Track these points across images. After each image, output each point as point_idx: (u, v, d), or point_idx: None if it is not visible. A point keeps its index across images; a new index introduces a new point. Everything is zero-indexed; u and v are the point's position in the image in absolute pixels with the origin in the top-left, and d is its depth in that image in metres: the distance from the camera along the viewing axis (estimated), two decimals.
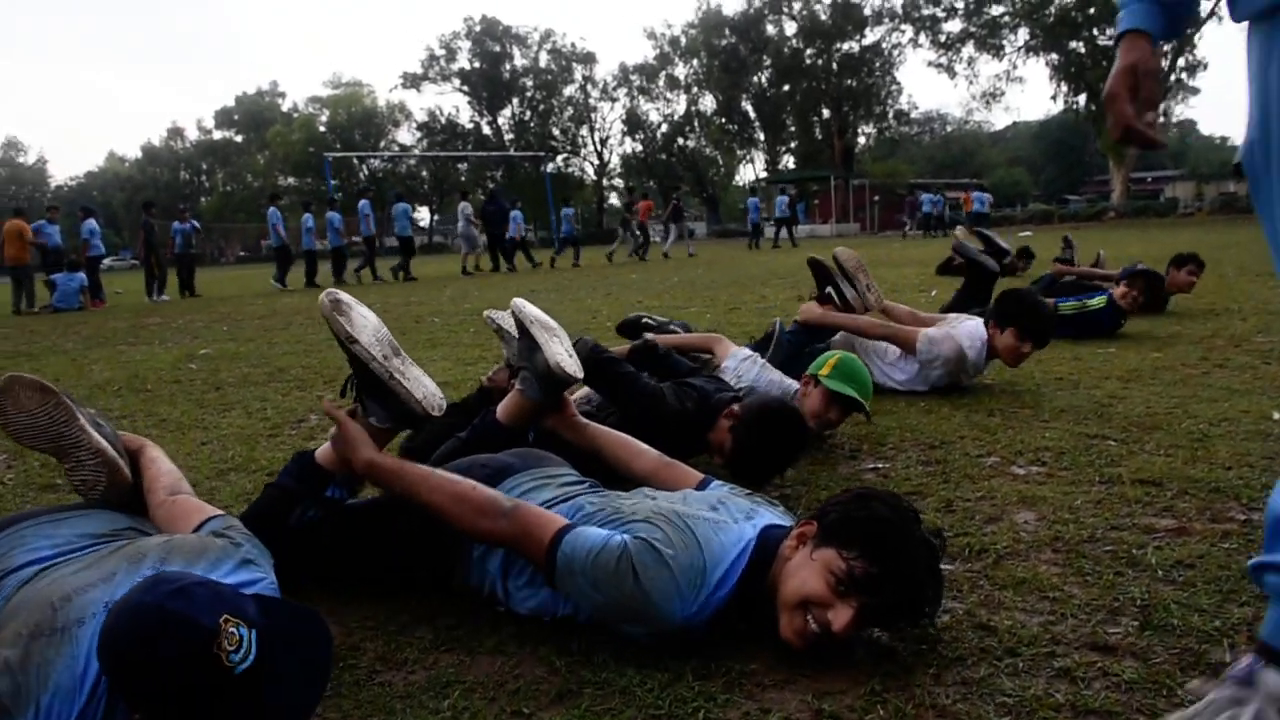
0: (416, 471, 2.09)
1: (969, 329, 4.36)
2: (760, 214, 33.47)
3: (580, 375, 2.59)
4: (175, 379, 6.51)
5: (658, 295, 11.31)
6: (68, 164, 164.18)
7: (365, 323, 2.27)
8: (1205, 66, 53.48)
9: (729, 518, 1.97)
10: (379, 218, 22.00)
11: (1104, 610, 1.95)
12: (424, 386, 2.27)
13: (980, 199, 35.97)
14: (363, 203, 21.24)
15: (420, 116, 78.61)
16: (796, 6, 64.20)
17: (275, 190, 33.30)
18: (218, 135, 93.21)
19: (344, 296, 2.27)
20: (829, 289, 4.57)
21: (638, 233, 26.14)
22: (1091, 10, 50.24)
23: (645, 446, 2.49)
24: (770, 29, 66.00)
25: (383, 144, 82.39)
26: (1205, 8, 47.92)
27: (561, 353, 2.55)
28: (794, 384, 3.60)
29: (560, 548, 1.86)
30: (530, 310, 2.62)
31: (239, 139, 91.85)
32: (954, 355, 4.26)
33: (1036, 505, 2.67)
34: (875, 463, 3.25)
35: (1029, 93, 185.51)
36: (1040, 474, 2.99)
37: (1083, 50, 51.44)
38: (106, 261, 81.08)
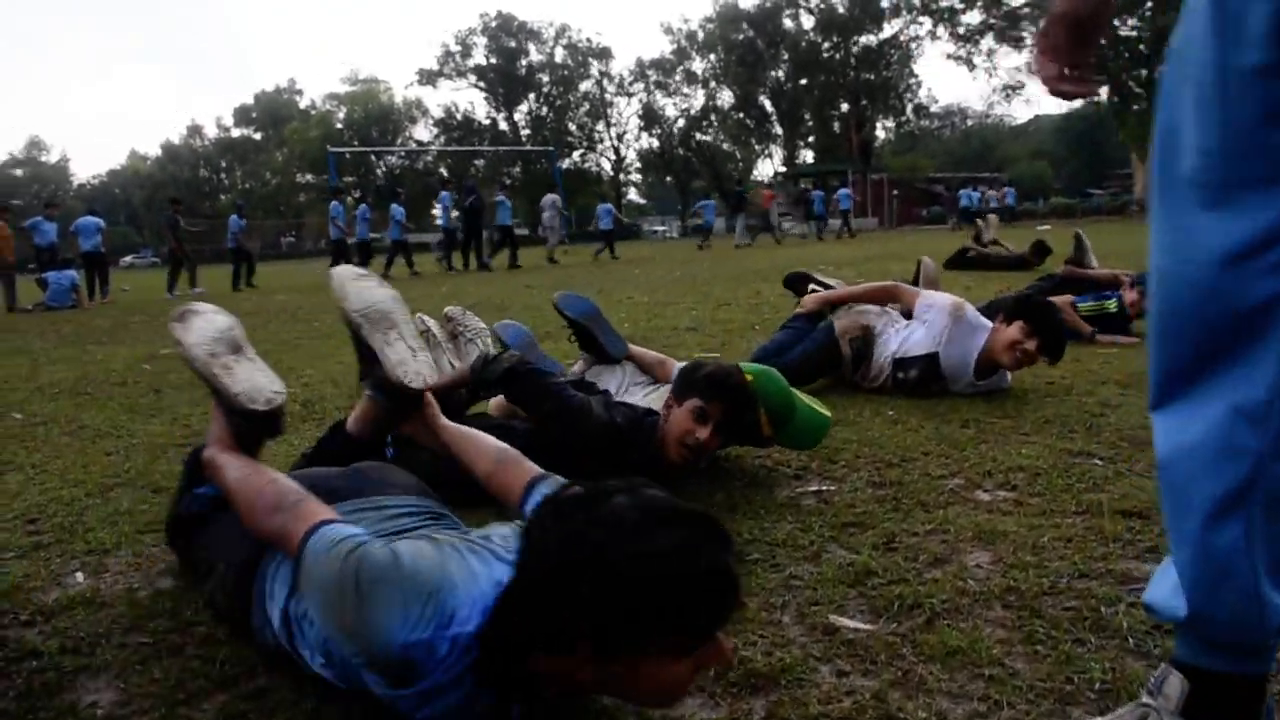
0: (231, 467, 1.89)
1: (973, 310, 4.03)
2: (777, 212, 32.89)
3: (426, 384, 2.17)
4: (121, 381, 6.16)
5: (650, 291, 10.88)
6: (91, 163, 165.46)
7: (206, 326, 2.14)
8: None
9: (501, 551, 1.54)
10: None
11: (1053, 696, 1.51)
12: (248, 382, 2.02)
13: (1008, 194, 35.58)
14: (395, 208, 21.10)
15: (437, 113, 78.47)
16: (816, 0, 63.63)
17: (339, 186, 33.35)
18: (236, 133, 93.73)
19: (197, 307, 2.20)
20: (811, 287, 4.26)
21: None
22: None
23: (488, 444, 2.03)
24: (788, 22, 65.42)
25: (399, 140, 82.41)
26: None
27: (404, 359, 2.14)
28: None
29: (309, 541, 1.53)
30: (365, 307, 2.21)
31: (258, 136, 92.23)
32: (949, 303, 4.01)
33: (995, 542, 2.23)
34: (820, 484, 2.82)
35: None
36: (1008, 501, 2.55)
37: (1103, 41, 50.50)
38: (128, 259, 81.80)
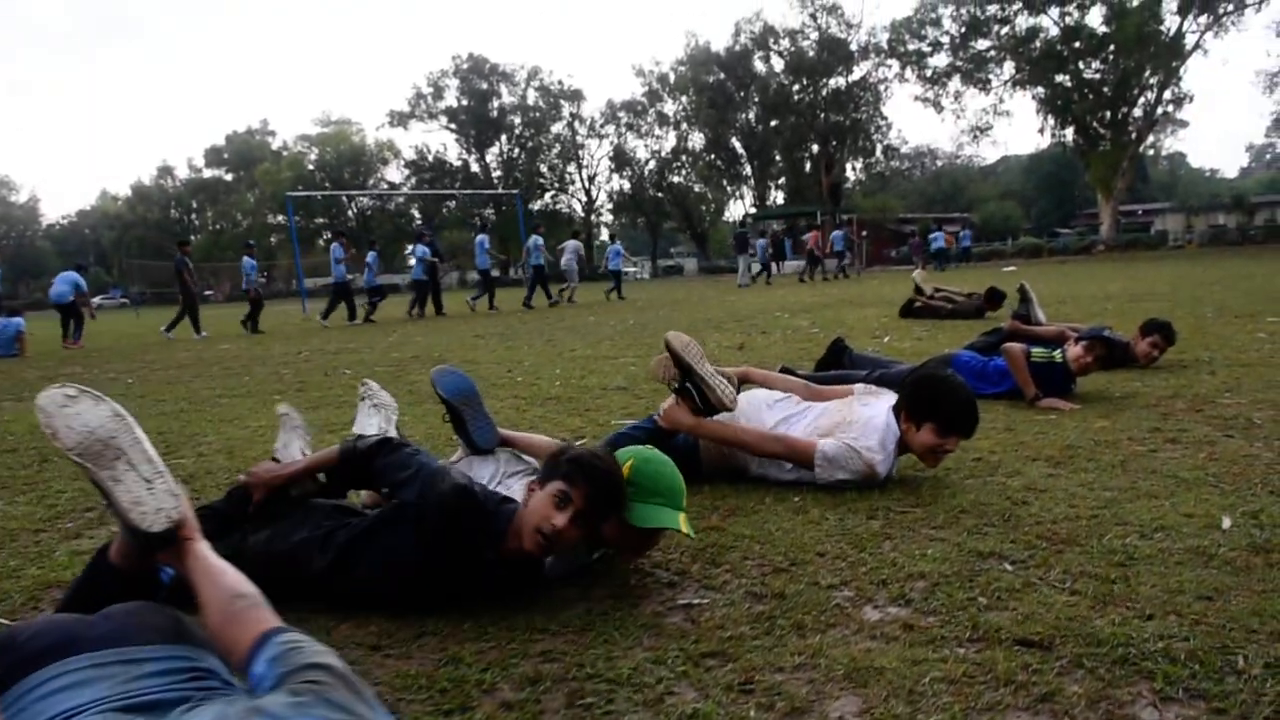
0: None
1: (876, 428, 3.50)
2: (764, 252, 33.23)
3: (171, 520, 1.80)
4: (13, 447, 5.74)
5: (595, 343, 10.54)
6: (62, 203, 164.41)
7: (77, 422, 1.89)
8: (1191, 99, 53.25)
9: None
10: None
11: None
12: (132, 497, 1.80)
13: (964, 237, 36.44)
14: (371, 255, 21.27)
15: (409, 154, 78.41)
16: (784, 43, 64.13)
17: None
18: (208, 173, 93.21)
19: (71, 391, 1.95)
20: (688, 383, 3.55)
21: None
22: (1077, 44, 50.00)
23: (226, 587, 1.65)
24: (758, 65, 65.97)
25: (371, 181, 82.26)
26: (1189, 41, 47.81)
27: (139, 497, 1.78)
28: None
29: None
30: (80, 442, 1.85)
31: (229, 177, 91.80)
32: (859, 479, 3.41)
33: (868, 685, 1.88)
34: (695, 595, 2.46)
35: (1018, 126, 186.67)
36: (897, 623, 2.19)
37: (1069, 84, 51.11)
38: (96, 300, 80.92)
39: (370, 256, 21.08)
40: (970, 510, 3.06)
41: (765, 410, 3.79)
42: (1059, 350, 5.14)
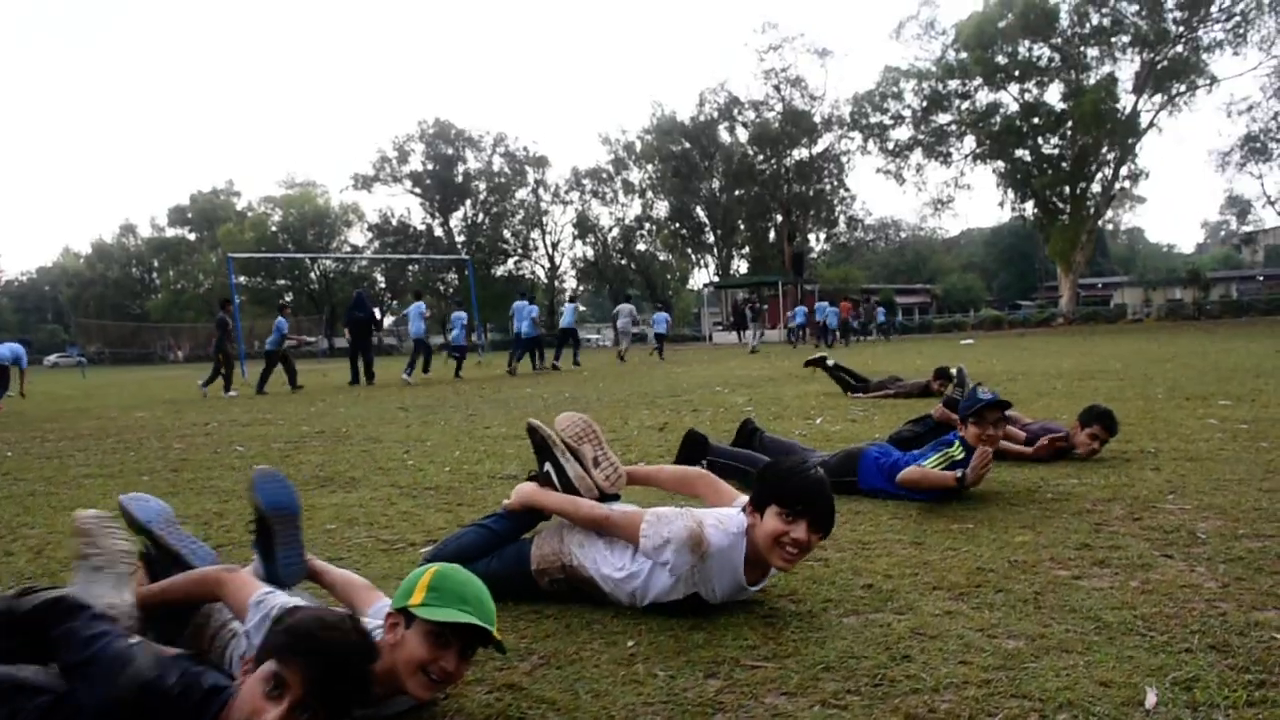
0: None
1: (721, 511, 3.02)
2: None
3: None
4: None
5: (516, 421, 9.87)
6: (22, 259, 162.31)
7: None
8: (1147, 175, 53.99)
9: None
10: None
11: None
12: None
13: (879, 312, 38.75)
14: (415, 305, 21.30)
15: (373, 218, 78.13)
16: (749, 114, 64.67)
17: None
18: (170, 233, 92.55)
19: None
20: (546, 465, 3.25)
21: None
22: (1036, 120, 50.64)
23: None
24: (724, 135, 66.43)
25: (334, 244, 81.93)
26: (1145, 119, 48.52)
27: None
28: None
29: None
30: None
31: (191, 237, 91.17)
32: (685, 536, 2.83)
33: None
34: None
35: (980, 200, 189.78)
36: None
37: (1028, 158, 51.66)
38: (52, 357, 79.36)
39: (416, 308, 21.18)
40: (836, 667, 2.41)
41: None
42: (955, 442, 4.54)
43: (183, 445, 8.96)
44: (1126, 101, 48.44)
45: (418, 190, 74.77)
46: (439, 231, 75.32)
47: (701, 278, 71.07)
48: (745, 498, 3.04)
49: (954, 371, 6.78)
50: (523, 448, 7.40)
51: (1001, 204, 54.14)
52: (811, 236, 67.47)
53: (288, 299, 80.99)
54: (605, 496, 3.29)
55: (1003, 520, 4.05)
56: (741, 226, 66.93)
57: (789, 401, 10.39)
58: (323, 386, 19.48)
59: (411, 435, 8.79)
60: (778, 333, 39.95)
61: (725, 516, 2.95)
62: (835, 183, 64.50)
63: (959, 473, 4.32)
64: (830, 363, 11.43)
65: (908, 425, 6.27)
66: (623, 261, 73.49)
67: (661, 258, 74.21)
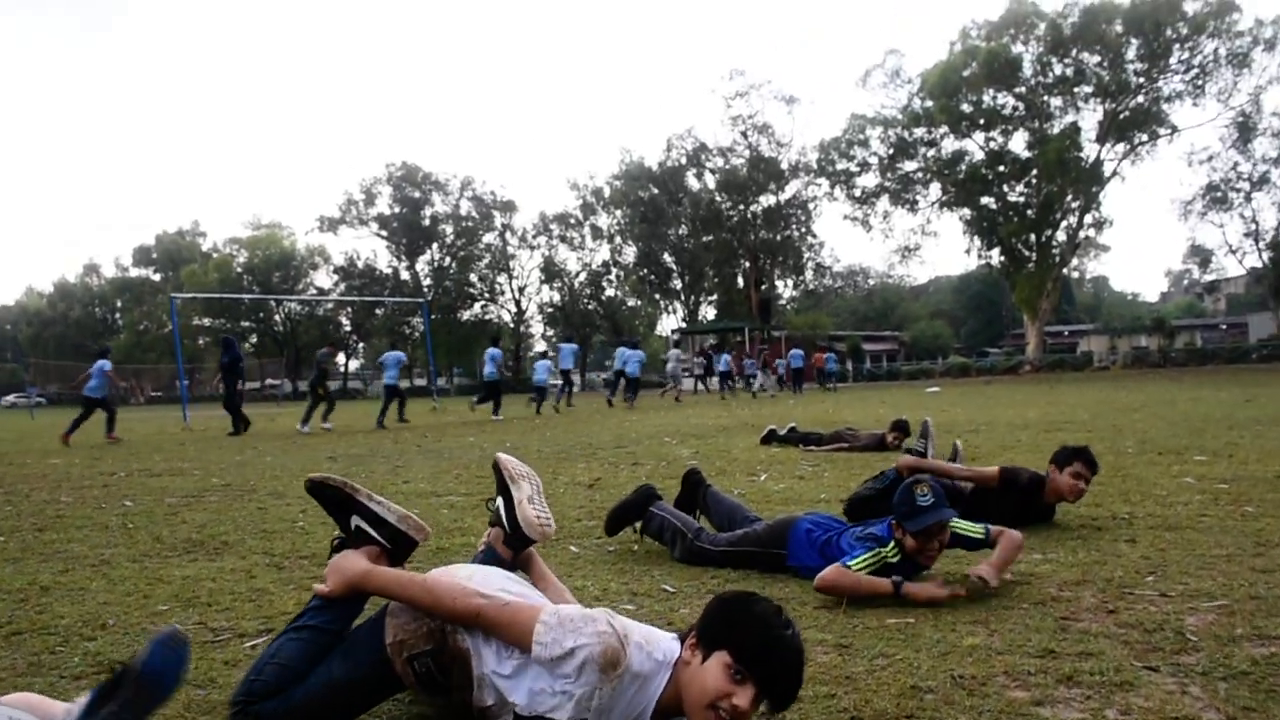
0: None
1: (649, 630, 2.24)
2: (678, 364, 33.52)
3: None
4: None
5: (438, 475, 9.11)
6: None
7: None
8: (1111, 224, 54.35)
9: None
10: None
11: None
12: None
13: (828, 360, 38.69)
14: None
15: (339, 260, 77.29)
16: (717, 161, 64.62)
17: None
18: (134, 273, 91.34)
19: None
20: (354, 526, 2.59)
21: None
22: (1001, 168, 50.81)
23: None
24: (691, 181, 66.31)
25: (300, 286, 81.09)
26: (1108, 168, 48.76)
27: None
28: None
29: None
30: None
31: (156, 277, 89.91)
32: (600, 652, 2.06)
33: None
34: None
35: (947, 248, 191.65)
36: None
37: (994, 206, 51.74)
38: (9, 398, 77.58)
39: (394, 356, 21.25)
40: None
41: (501, 581, 2.49)
42: (891, 544, 3.75)
43: (71, 499, 8.14)
44: (1090, 150, 48.79)
45: (384, 233, 74.09)
46: (405, 274, 74.60)
47: (669, 323, 70.58)
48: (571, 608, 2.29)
49: (921, 426, 6.11)
50: (434, 507, 6.67)
51: (968, 251, 54.28)
52: (780, 283, 67.28)
53: (251, 340, 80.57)
54: (519, 541, 2.89)
55: (950, 612, 3.35)
56: (709, 272, 66.60)
57: (737, 455, 9.71)
58: (265, 432, 18.61)
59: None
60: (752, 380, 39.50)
61: (652, 637, 2.20)
62: (803, 229, 64.45)
63: (896, 580, 3.57)
64: (782, 432, 10.82)
65: (866, 484, 5.61)
66: (590, 306, 72.92)
67: (629, 303, 73.70)
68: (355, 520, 2.53)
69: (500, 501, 2.96)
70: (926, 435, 6.19)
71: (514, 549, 2.95)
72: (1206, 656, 2.73)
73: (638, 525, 4.62)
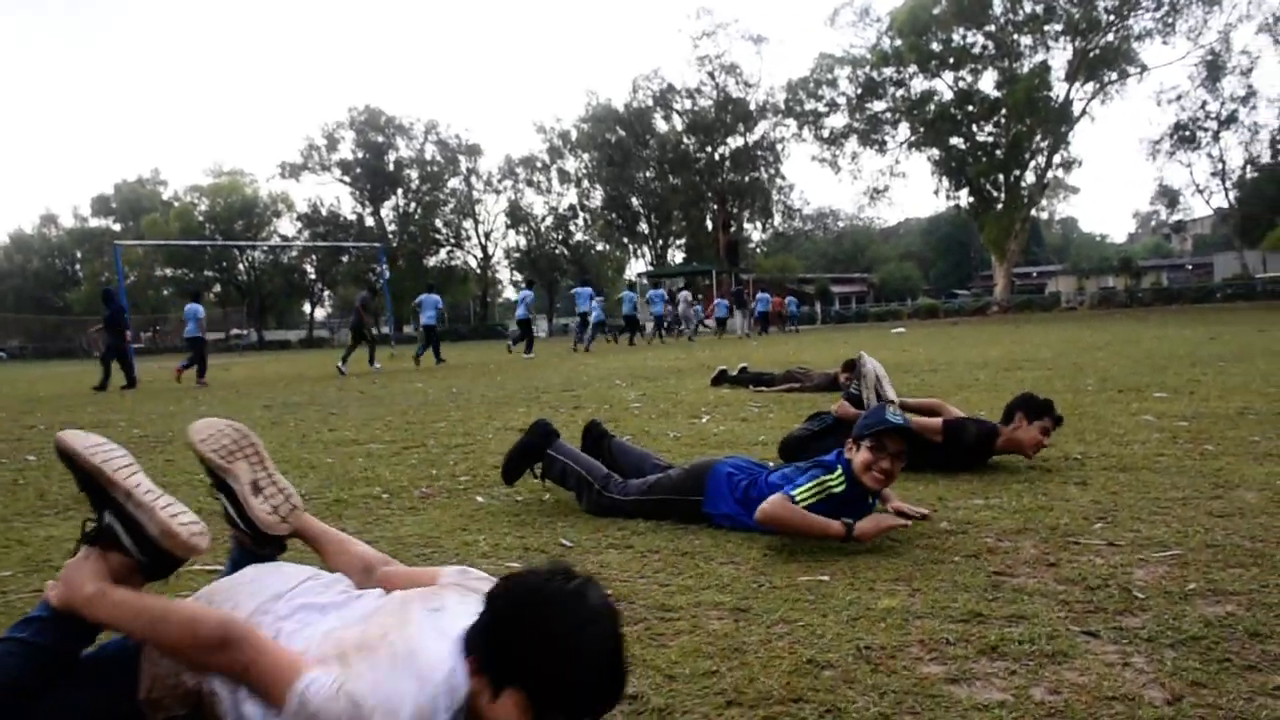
0: None
1: (417, 670, 1.71)
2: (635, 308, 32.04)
3: None
4: None
5: (366, 423, 8.68)
6: None
7: None
8: (1080, 164, 54.06)
9: None
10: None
11: None
12: None
13: (791, 302, 38.04)
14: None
15: (302, 207, 75.85)
16: (685, 103, 63.64)
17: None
18: (94, 223, 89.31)
19: None
20: (107, 515, 1.89)
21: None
22: (970, 108, 50.26)
23: None
24: (659, 124, 65.33)
25: (264, 234, 79.62)
26: (1077, 107, 48.34)
27: None
28: None
29: None
30: None
31: (116, 227, 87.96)
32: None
33: None
34: None
35: (917, 190, 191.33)
36: None
37: (963, 146, 51.27)
38: None
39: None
40: None
41: (268, 597, 1.98)
42: (837, 469, 3.39)
43: None
44: (1059, 89, 48.29)
45: (347, 179, 72.65)
46: (370, 221, 73.25)
47: (638, 267, 69.85)
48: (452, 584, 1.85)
49: (856, 360, 5.46)
50: (350, 455, 6.25)
51: (937, 192, 53.75)
52: (748, 226, 66.70)
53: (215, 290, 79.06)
54: (266, 542, 2.19)
55: (871, 566, 2.97)
56: (677, 215, 65.85)
57: (685, 397, 9.32)
58: (219, 381, 18.05)
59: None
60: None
61: (422, 689, 1.58)
62: (771, 171, 63.71)
63: (847, 522, 3.20)
64: (733, 373, 10.43)
65: (803, 425, 5.23)
66: (557, 251, 72.11)
67: (597, 247, 72.88)
68: (108, 516, 1.91)
69: (224, 500, 2.23)
70: (860, 373, 5.41)
71: (270, 548, 2.27)
72: (1154, 617, 2.36)
73: (538, 470, 4.18)
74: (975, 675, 2.06)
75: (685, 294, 31.89)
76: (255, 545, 2.20)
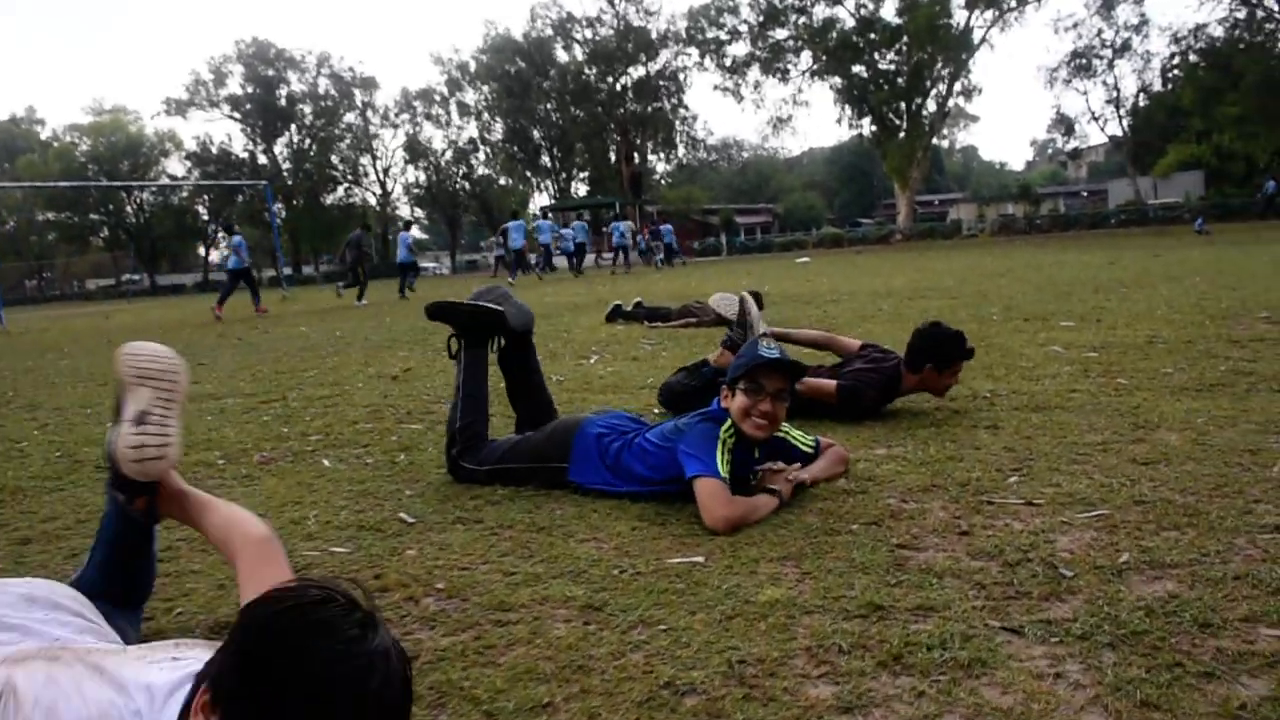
0: None
1: (131, 679, 1.25)
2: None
3: None
4: None
5: (235, 373, 8.02)
6: None
7: None
8: (980, 92, 54.37)
9: None
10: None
11: None
12: None
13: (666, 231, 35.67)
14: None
15: (191, 145, 72.50)
16: (587, 33, 62.19)
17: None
18: None
19: None
20: None
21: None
22: (872, 35, 49.98)
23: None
24: (560, 54, 63.79)
25: (152, 174, 76.16)
26: (977, 35, 48.42)
27: None
28: None
29: None
30: None
31: None
32: None
33: None
34: None
35: (822, 119, 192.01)
36: None
37: (865, 75, 51.04)
38: None
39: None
40: None
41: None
42: (726, 420, 2.94)
43: None
44: (960, 17, 48.17)
45: (237, 115, 69.55)
46: (263, 159, 70.39)
47: (541, 200, 68.54)
48: None
49: (740, 298, 4.94)
50: (199, 414, 5.63)
51: (840, 121, 53.80)
52: (652, 157, 65.82)
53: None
54: (131, 487, 1.98)
55: (755, 542, 2.52)
56: (580, 148, 64.65)
57: (576, 335, 8.83)
58: (93, 330, 16.96)
59: (87, 398, 6.88)
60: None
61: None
62: (674, 101, 62.75)
63: (773, 490, 2.85)
64: (627, 308, 9.96)
65: (679, 374, 4.78)
66: (459, 186, 70.35)
67: (500, 181, 71.24)
68: None
69: (109, 426, 2.03)
70: (746, 316, 4.85)
71: (128, 494, 2.00)
72: (1085, 604, 1.96)
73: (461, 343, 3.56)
74: (874, 699, 1.63)
75: (624, 224, 32.23)
76: (113, 484, 2.02)
